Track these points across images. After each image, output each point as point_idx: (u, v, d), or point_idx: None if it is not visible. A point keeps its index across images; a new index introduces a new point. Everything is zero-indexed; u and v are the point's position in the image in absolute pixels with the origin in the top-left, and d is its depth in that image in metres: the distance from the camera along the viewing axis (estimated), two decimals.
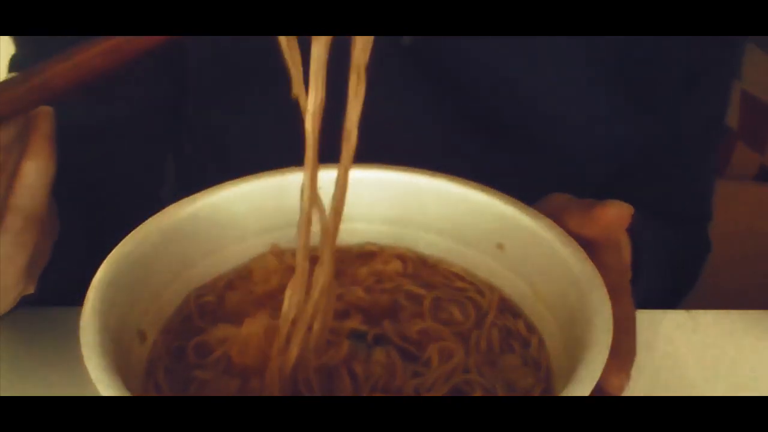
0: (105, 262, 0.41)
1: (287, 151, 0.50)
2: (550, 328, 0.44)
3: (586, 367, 0.36)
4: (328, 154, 0.40)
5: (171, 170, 0.72)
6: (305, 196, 0.39)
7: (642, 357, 0.48)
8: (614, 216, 0.43)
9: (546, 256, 0.45)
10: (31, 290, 0.44)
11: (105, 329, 0.38)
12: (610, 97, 0.62)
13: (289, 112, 0.61)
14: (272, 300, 0.48)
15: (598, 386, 0.36)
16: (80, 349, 0.37)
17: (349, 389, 0.42)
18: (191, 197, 0.47)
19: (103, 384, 0.35)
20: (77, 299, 0.39)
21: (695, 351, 0.58)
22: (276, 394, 0.41)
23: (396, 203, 0.50)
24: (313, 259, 0.48)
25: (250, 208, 0.49)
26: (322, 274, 0.41)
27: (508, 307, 0.48)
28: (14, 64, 0.64)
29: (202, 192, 0.48)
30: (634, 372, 0.40)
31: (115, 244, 0.43)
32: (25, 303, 0.55)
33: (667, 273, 0.64)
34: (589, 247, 0.43)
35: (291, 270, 0.49)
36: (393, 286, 0.49)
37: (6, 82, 0.36)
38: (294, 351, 0.41)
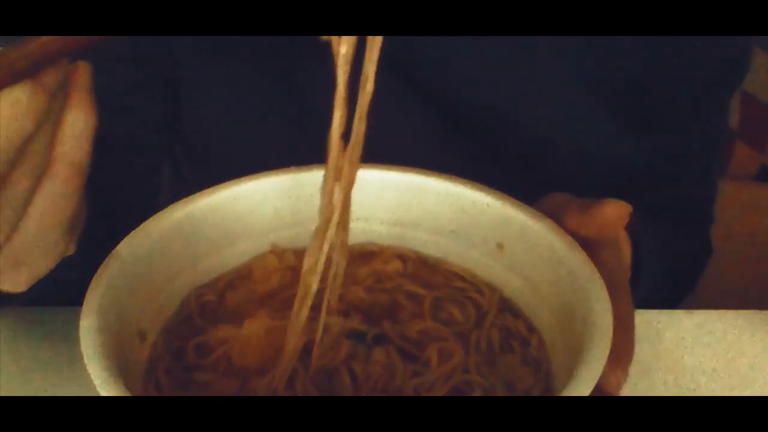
0: (105, 262, 0.41)
1: (287, 151, 0.50)
2: (550, 328, 0.44)
3: (586, 367, 0.36)
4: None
5: (167, 172, 0.72)
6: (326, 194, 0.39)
7: (642, 357, 0.48)
8: (613, 214, 0.43)
9: (546, 255, 0.45)
10: (71, 251, 0.43)
11: (105, 329, 0.38)
12: (610, 118, 0.61)
13: (288, 111, 0.61)
14: (273, 299, 0.48)
15: (596, 384, 0.36)
16: (80, 349, 0.37)
17: (349, 389, 0.42)
18: (191, 197, 0.47)
19: (104, 384, 0.35)
20: (77, 299, 0.39)
21: (695, 351, 0.58)
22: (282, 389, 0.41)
23: (396, 203, 0.50)
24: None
25: (250, 208, 0.49)
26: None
27: (508, 307, 0.48)
28: None
29: (202, 192, 0.48)
30: (634, 372, 0.40)
31: (110, 250, 0.43)
32: (22, 302, 0.56)
33: (668, 273, 0.64)
34: (588, 246, 0.43)
35: (291, 270, 0.49)
36: (393, 286, 0.49)
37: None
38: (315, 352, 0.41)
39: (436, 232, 0.51)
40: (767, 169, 1.18)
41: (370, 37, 0.36)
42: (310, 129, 0.62)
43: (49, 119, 0.36)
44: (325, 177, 0.39)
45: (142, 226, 0.44)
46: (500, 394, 0.42)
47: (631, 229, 0.51)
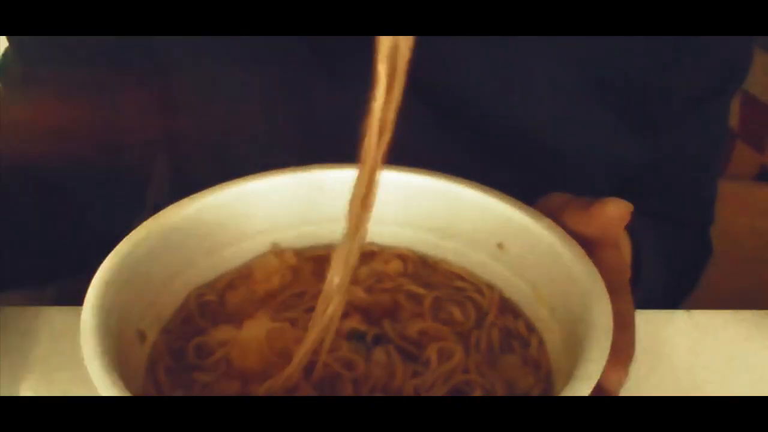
0: (105, 261, 0.41)
1: (287, 151, 0.50)
2: (550, 328, 0.44)
3: (586, 367, 0.36)
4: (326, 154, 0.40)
5: (167, 172, 0.72)
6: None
7: (642, 357, 0.47)
8: (613, 214, 0.43)
9: (546, 255, 0.45)
10: None
11: (105, 329, 0.38)
12: (610, 118, 0.61)
13: (288, 112, 0.61)
14: (273, 299, 0.48)
15: (597, 383, 0.36)
16: (80, 349, 0.37)
17: (350, 389, 0.42)
18: (191, 197, 0.47)
19: (103, 384, 0.35)
20: (77, 299, 0.39)
21: (695, 351, 0.58)
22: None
23: (396, 203, 0.50)
24: (315, 259, 0.48)
25: (250, 208, 0.49)
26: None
27: (508, 307, 0.48)
28: (5, 56, 0.64)
29: (202, 192, 0.48)
30: (634, 372, 0.40)
31: (98, 244, 0.43)
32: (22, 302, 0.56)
33: (668, 273, 0.64)
34: (588, 245, 0.43)
35: (292, 270, 0.49)
36: (393, 286, 0.49)
37: None
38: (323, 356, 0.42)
39: (436, 232, 0.51)
40: (767, 169, 1.18)
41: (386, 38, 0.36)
42: (310, 129, 0.62)
43: None
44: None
45: (142, 225, 0.44)
46: (500, 394, 0.42)
47: (631, 228, 0.51)
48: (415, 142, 0.58)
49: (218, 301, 0.48)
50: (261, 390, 0.41)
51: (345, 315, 0.45)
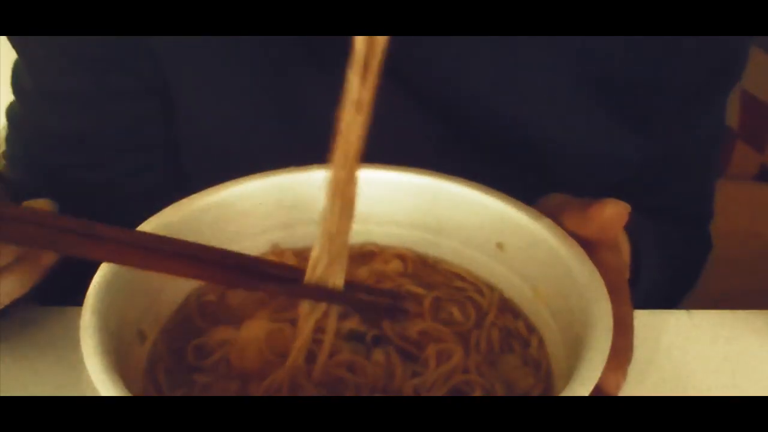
0: (105, 262, 0.41)
1: (285, 151, 0.50)
2: (550, 328, 0.44)
3: (586, 367, 0.36)
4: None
5: (167, 173, 0.72)
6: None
7: (642, 357, 0.48)
8: (611, 215, 0.43)
9: (546, 255, 0.45)
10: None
11: (105, 329, 0.38)
12: (607, 116, 0.61)
13: (286, 112, 0.61)
14: (273, 300, 0.48)
15: (595, 385, 0.36)
16: (80, 349, 0.37)
17: (350, 390, 0.42)
18: (191, 197, 0.47)
19: (103, 384, 0.35)
20: (77, 299, 0.39)
21: (695, 351, 0.58)
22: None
23: (396, 203, 0.50)
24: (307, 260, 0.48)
25: (250, 208, 0.49)
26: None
27: (508, 307, 0.48)
28: (16, 73, 0.64)
29: (202, 192, 0.48)
30: (634, 372, 0.40)
31: None
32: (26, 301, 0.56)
33: (668, 272, 0.64)
34: (588, 246, 0.43)
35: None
36: (393, 286, 0.49)
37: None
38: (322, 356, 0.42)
39: (436, 232, 0.51)
40: (767, 169, 1.18)
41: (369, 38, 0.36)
42: (308, 129, 0.62)
43: None
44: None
45: (141, 226, 0.44)
46: (500, 394, 0.42)
47: (631, 228, 0.51)
48: (414, 142, 0.58)
49: (218, 302, 0.48)
50: (261, 389, 0.41)
51: (344, 316, 0.45)
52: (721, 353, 0.58)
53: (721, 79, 0.65)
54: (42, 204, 0.49)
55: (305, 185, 0.49)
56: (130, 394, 0.35)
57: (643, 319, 0.57)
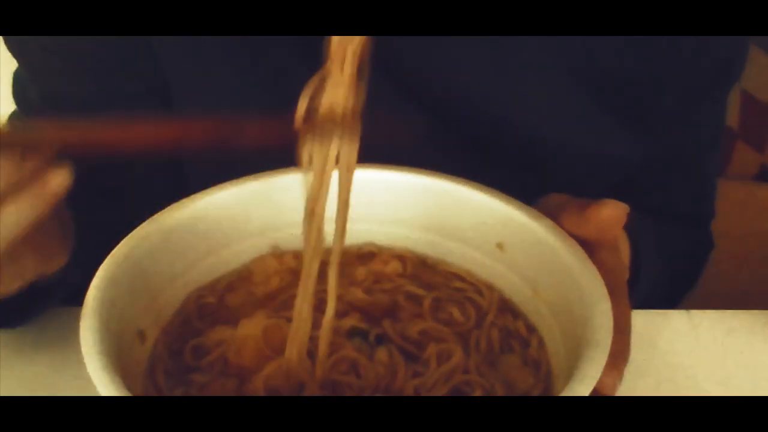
0: (105, 262, 0.41)
1: (284, 151, 0.50)
2: (550, 328, 0.44)
3: (586, 367, 0.36)
4: None
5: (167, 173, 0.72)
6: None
7: (642, 357, 0.48)
8: (609, 216, 0.43)
9: (546, 255, 0.45)
10: (53, 268, 0.46)
11: (105, 329, 0.38)
12: (605, 116, 0.61)
13: (283, 112, 0.61)
14: (272, 301, 0.48)
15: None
16: (80, 349, 0.37)
17: (353, 389, 0.42)
18: (191, 197, 0.47)
19: (103, 384, 0.35)
20: (77, 299, 0.39)
21: (695, 351, 0.58)
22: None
23: (395, 203, 0.50)
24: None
25: (250, 208, 0.49)
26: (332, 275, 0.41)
27: (508, 307, 0.48)
28: (17, 80, 0.64)
29: (202, 192, 0.48)
30: (634, 372, 0.40)
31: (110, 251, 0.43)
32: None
33: (668, 272, 0.64)
34: (587, 246, 0.43)
35: (291, 271, 0.49)
36: (392, 287, 0.49)
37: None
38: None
39: (436, 232, 0.51)
40: (767, 169, 1.18)
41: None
42: None
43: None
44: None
45: (141, 226, 0.44)
46: (500, 394, 0.42)
47: (630, 229, 0.51)
48: (414, 142, 0.58)
49: (217, 304, 0.48)
50: (260, 383, 0.41)
51: (343, 314, 0.45)
52: (721, 353, 0.58)
53: (721, 79, 0.65)
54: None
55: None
56: (130, 394, 0.35)
57: (643, 319, 0.57)
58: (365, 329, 0.45)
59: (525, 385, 0.43)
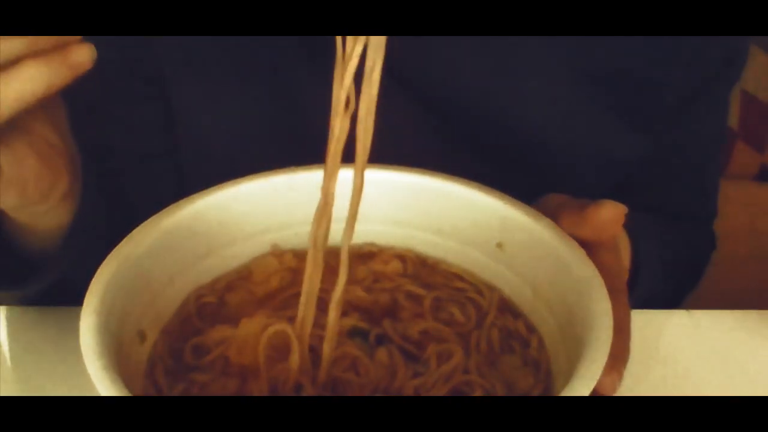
0: (105, 262, 0.41)
1: (284, 151, 0.50)
2: (550, 328, 0.44)
3: (586, 367, 0.36)
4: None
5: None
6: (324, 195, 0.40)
7: (642, 357, 0.47)
8: (607, 216, 0.43)
9: (546, 256, 0.45)
10: (69, 199, 0.46)
11: (105, 329, 0.38)
12: (606, 116, 0.61)
13: (285, 111, 0.61)
14: (272, 301, 0.48)
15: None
16: (80, 349, 0.37)
17: (353, 389, 0.42)
18: (191, 197, 0.47)
19: (103, 384, 0.35)
20: (77, 299, 0.39)
21: (695, 351, 0.58)
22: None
23: (396, 203, 0.50)
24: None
25: (250, 208, 0.49)
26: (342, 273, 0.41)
27: (508, 307, 0.48)
28: None
29: (202, 192, 0.48)
30: (634, 372, 0.40)
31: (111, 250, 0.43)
32: (22, 302, 0.55)
33: (669, 272, 0.64)
34: (586, 246, 0.43)
35: (291, 271, 0.49)
36: (393, 286, 0.49)
37: None
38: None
39: (436, 232, 0.51)
40: (767, 169, 1.18)
41: (373, 38, 0.36)
42: (307, 129, 0.62)
43: None
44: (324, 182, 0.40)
45: (141, 226, 0.44)
46: (500, 394, 0.42)
47: (631, 229, 0.51)
48: (414, 143, 0.58)
49: (217, 303, 0.48)
50: (264, 385, 0.41)
51: (344, 313, 0.45)
52: (721, 353, 0.58)
53: (722, 76, 0.65)
54: None
55: (305, 185, 0.49)
56: (130, 394, 0.35)
57: (643, 319, 0.57)
58: (366, 329, 0.45)
59: (525, 385, 0.43)
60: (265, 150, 0.56)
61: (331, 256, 0.42)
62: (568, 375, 0.37)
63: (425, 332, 0.45)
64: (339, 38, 0.36)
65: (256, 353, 0.42)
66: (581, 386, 0.36)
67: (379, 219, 0.51)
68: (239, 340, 0.43)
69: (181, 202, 0.47)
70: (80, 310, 0.39)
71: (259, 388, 0.41)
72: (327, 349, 0.42)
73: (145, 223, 0.45)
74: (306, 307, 0.42)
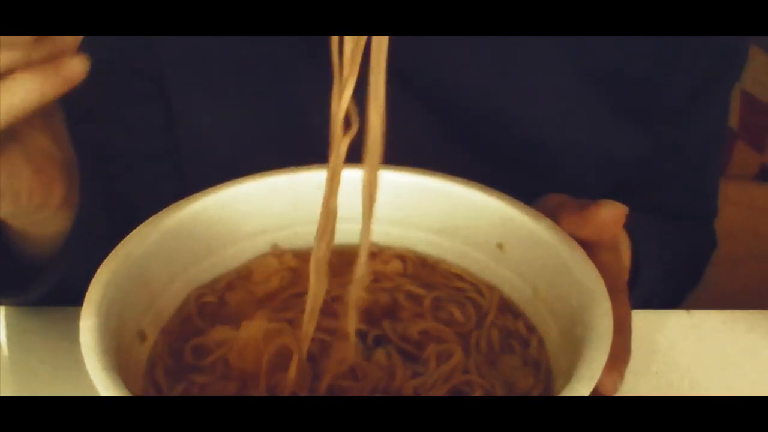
0: (105, 262, 0.41)
1: (284, 151, 0.50)
2: (550, 328, 0.44)
3: (586, 367, 0.36)
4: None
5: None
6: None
7: (642, 357, 0.47)
8: (608, 216, 0.43)
9: (546, 256, 0.45)
10: (67, 207, 0.45)
11: (105, 329, 0.38)
12: (607, 114, 0.61)
13: (285, 111, 0.61)
14: (272, 301, 0.48)
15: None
16: (80, 349, 0.37)
17: (352, 390, 0.42)
18: (191, 197, 0.47)
19: (103, 384, 0.35)
20: (77, 299, 0.39)
21: (695, 351, 0.58)
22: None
23: (396, 203, 0.50)
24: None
25: (250, 208, 0.49)
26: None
27: (508, 307, 0.48)
28: None
29: (202, 192, 0.48)
30: (634, 372, 0.40)
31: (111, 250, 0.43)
32: (22, 302, 0.55)
33: (669, 272, 0.64)
34: (586, 246, 0.43)
35: (291, 271, 0.49)
36: (392, 286, 0.49)
37: None
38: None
39: (436, 232, 0.51)
40: (767, 169, 1.18)
41: (375, 38, 0.36)
42: (309, 129, 0.62)
43: None
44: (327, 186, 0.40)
45: (141, 226, 0.44)
46: (500, 394, 0.42)
47: (631, 228, 0.51)
48: (414, 142, 0.58)
49: (217, 302, 0.48)
50: (262, 390, 0.41)
51: (343, 314, 0.45)
52: (721, 353, 0.58)
53: (722, 74, 0.65)
54: None
55: (305, 185, 0.49)
56: (130, 394, 0.35)
57: (643, 319, 0.57)
58: (364, 330, 0.45)
59: (525, 385, 0.43)
60: (265, 149, 0.56)
61: (334, 256, 0.41)
62: (568, 375, 0.37)
63: (425, 332, 0.45)
64: (335, 44, 0.36)
65: (256, 359, 0.42)
66: (581, 386, 0.36)
67: (379, 219, 0.51)
68: (240, 343, 0.43)
69: (181, 202, 0.47)
70: (80, 310, 0.39)
71: (257, 395, 0.41)
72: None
73: (145, 223, 0.45)
74: (308, 323, 0.41)
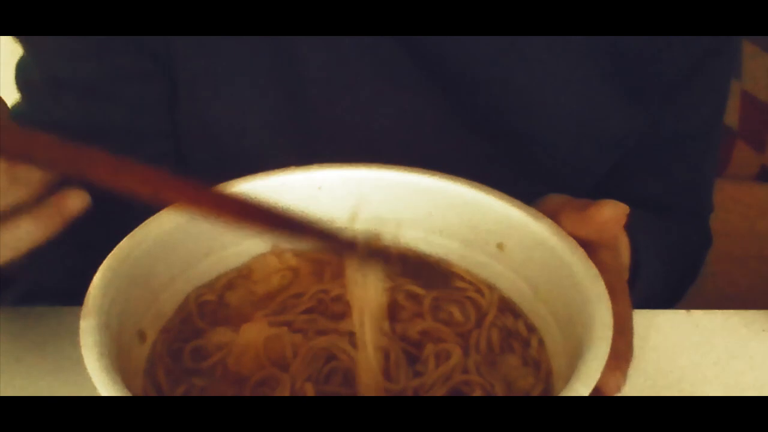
0: (105, 262, 0.41)
1: (285, 150, 0.50)
2: (550, 328, 0.44)
3: (586, 367, 0.36)
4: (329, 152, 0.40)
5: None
6: None
7: (642, 357, 0.47)
8: (609, 216, 0.43)
9: (546, 256, 0.45)
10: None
11: (105, 329, 0.38)
12: (606, 92, 0.62)
13: (286, 111, 0.61)
14: (272, 300, 0.48)
15: (595, 386, 0.36)
16: (80, 349, 0.37)
17: (351, 390, 0.42)
18: None
19: (103, 384, 0.35)
20: (77, 299, 0.39)
21: (695, 351, 0.58)
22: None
23: (396, 203, 0.50)
24: (315, 260, 0.48)
25: None
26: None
27: (508, 307, 0.48)
28: (21, 68, 0.64)
29: None
30: (634, 372, 0.40)
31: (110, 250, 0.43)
32: (22, 302, 0.55)
33: (668, 270, 0.64)
34: (586, 246, 0.43)
35: (291, 270, 0.49)
36: (392, 286, 0.49)
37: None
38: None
39: (436, 232, 0.51)
40: (767, 169, 1.18)
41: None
42: (309, 129, 0.62)
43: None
44: None
45: (142, 225, 0.44)
46: (500, 394, 0.42)
47: (630, 228, 0.51)
48: (414, 142, 0.58)
49: (217, 301, 0.48)
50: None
51: (343, 315, 0.45)
52: (720, 353, 0.58)
53: (717, 52, 0.65)
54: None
55: (305, 185, 0.49)
56: (129, 394, 0.35)
57: (643, 319, 0.57)
58: None
59: (525, 385, 0.43)
60: (270, 141, 0.55)
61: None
62: (569, 375, 0.37)
63: (425, 332, 0.45)
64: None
65: (255, 364, 0.42)
66: (581, 386, 0.36)
67: (378, 219, 0.51)
68: (239, 348, 0.43)
69: None
70: (80, 310, 0.39)
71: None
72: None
73: (145, 222, 0.45)
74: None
